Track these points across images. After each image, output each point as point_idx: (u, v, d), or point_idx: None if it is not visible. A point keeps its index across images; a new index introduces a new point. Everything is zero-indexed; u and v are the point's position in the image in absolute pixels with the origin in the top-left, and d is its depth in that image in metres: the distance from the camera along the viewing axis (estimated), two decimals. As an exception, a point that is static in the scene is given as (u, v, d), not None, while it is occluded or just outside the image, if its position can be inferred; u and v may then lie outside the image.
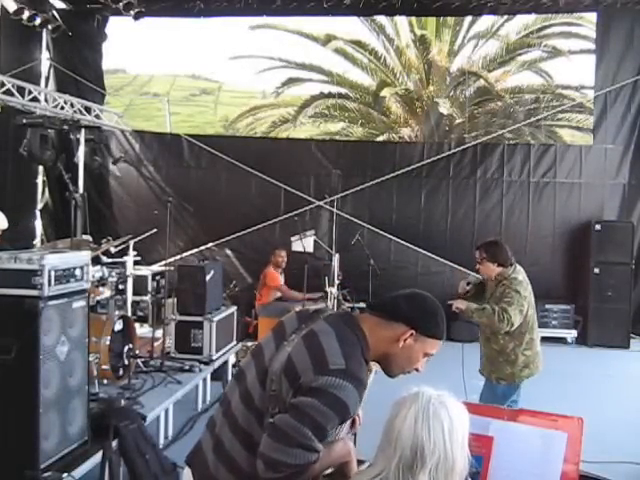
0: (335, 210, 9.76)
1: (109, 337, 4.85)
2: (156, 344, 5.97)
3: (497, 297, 4.20)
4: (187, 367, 5.59)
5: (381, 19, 14.81)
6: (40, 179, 9.83)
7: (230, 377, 6.13)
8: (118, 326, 5.07)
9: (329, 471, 1.91)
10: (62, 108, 8.45)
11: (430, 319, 1.89)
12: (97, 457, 3.60)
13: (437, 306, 1.94)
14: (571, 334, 8.97)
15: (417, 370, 1.95)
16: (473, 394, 4.01)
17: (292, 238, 9.03)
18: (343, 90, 16.04)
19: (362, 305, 7.77)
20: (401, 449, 1.50)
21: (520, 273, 4.25)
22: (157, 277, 7.78)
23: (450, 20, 14.69)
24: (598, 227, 8.96)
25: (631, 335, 8.97)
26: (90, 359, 3.98)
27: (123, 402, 4.25)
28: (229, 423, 1.83)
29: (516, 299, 4.09)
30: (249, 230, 9.92)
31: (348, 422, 2.05)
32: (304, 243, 8.92)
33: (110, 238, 6.41)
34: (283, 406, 1.71)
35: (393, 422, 1.55)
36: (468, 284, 4.58)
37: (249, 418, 1.78)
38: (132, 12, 8.63)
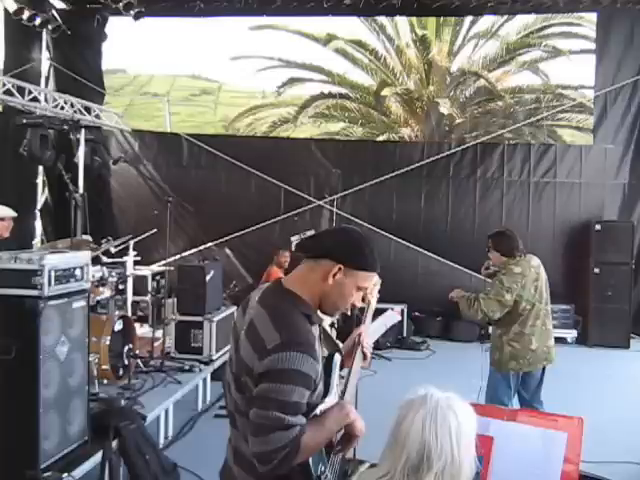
0: (335, 210, 9.76)
1: (109, 337, 4.85)
2: (156, 344, 5.96)
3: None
4: (187, 367, 5.60)
5: (381, 19, 14.82)
6: (40, 179, 9.83)
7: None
8: (118, 326, 5.07)
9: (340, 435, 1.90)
10: (62, 108, 8.45)
11: (355, 251, 1.83)
12: (97, 457, 3.61)
13: (363, 238, 1.87)
14: (571, 334, 8.97)
15: (354, 306, 1.91)
16: (472, 394, 4.01)
17: (292, 238, 9.03)
18: (343, 90, 16.05)
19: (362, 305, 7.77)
20: (408, 452, 1.50)
21: (521, 266, 4.28)
22: (157, 277, 7.77)
23: (450, 20, 14.69)
24: (598, 227, 8.95)
25: (631, 335, 8.97)
26: (90, 359, 3.98)
27: (123, 402, 4.26)
28: (240, 434, 1.84)
29: (496, 289, 4.20)
30: (249, 230, 9.93)
31: (359, 356, 2.08)
32: (304, 243, 8.89)
33: (110, 238, 6.41)
34: (253, 401, 1.74)
35: (401, 425, 1.54)
36: (487, 268, 4.74)
37: (244, 422, 1.79)
38: (132, 12, 8.63)
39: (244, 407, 1.78)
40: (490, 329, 8.66)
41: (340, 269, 1.81)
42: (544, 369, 4.40)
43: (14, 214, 5.73)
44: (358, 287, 1.86)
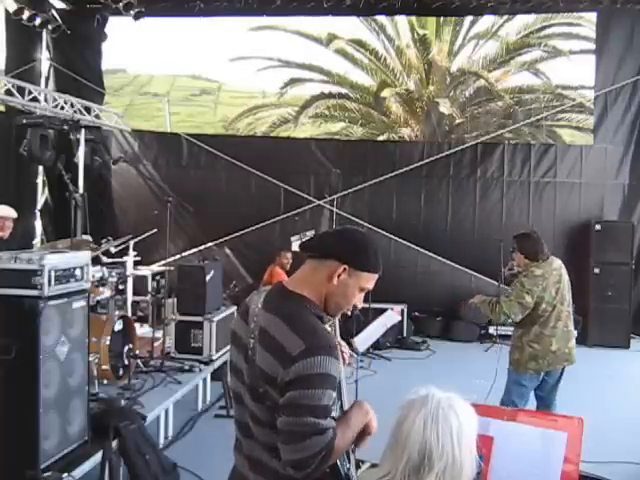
0: (335, 209, 9.76)
1: (109, 337, 4.85)
2: (156, 344, 5.96)
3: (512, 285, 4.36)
4: (187, 367, 5.59)
5: (381, 19, 14.83)
6: (40, 179, 9.83)
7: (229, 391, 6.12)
8: (118, 326, 5.07)
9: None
10: (62, 108, 8.45)
11: (360, 252, 1.84)
12: (97, 457, 3.61)
13: (367, 239, 1.88)
14: (571, 334, 8.96)
15: (355, 306, 1.91)
16: (472, 394, 4.01)
17: (292, 238, 9.04)
18: (343, 90, 16.05)
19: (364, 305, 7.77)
20: (409, 452, 1.50)
21: (543, 268, 4.31)
22: (157, 277, 7.77)
23: (450, 20, 14.70)
24: (598, 227, 8.96)
25: (631, 335, 8.97)
26: (90, 359, 3.98)
27: (123, 402, 4.25)
28: (258, 444, 1.82)
29: (516, 292, 4.23)
30: (249, 230, 9.93)
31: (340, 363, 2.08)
32: (304, 243, 8.89)
33: (110, 238, 6.41)
34: (279, 409, 1.72)
35: (402, 425, 1.54)
36: (510, 269, 4.85)
37: (267, 433, 1.78)
38: (132, 12, 8.63)
39: (265, 416, 1.76)
40: (490, 329, 8.69)
41: (345, 269, 1.81)
42: (563, 369, 4.41)
43: (14, 215, 5.74)
44: (361, 288, 1.87)
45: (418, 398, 1.57)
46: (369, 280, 1.87)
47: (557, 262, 4.43)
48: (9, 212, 5.72)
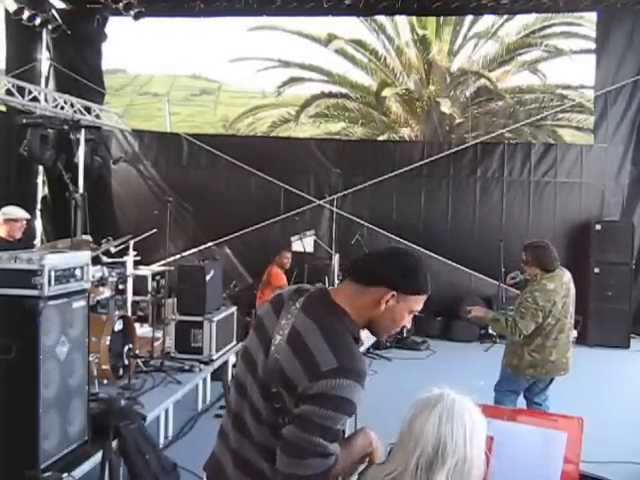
0: (335, 209, 9.77)
1: (109, 337, 4.84)
2: (156, 344, 5.95)
3: (522, 297, 4.30)
4: (187, 367, 5.58)
5: (381, 19, 14.83)
6: (40, 179, 9.83)
7: (230, 383, 6.13)
8: (118, 326, 5.06)
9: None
10: (62, 108, 8.46)
11: (409, 277, 1.81)
12: (97, 457, 3.60)
13: (415, 260, 1.85)
14: (571, 334, 8.95)
15: (405, 327, 1.88)
16: (472, 394, 4.01)
17: (292, 238, 9.05)
18: (343, 90, 16.05)
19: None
20: (423, 446, 1.50)
21: (555, 282, 4.27)
22: (157, 277, 7.77)
23: (450, 20, 14.70)
24: (598, 227, 8.96)
25: (631, 335, 8.97)
26: (90, 359, 3.97)
27: (123, 402, 4.25)
28: (249, 441, 1.78)
29: (530, 311, 4.18)
30: (249, 229, 9.93)
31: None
32: (304, 243, 8.93)
33: (110, 238, 6.41)
34: (291, 417, 1.68)
35: (415, 421, 1.54)
36: (512, 279, 4.86)
37: (264, 433, 1.74)
38: (132, 12, 8.63)
39: (268, 416, 1.72)
40: (490, 329, 8.65)
41: (393, 296, 1.77)
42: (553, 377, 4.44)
43: (28, 216, 5.83)
44: (410, 310, 1.84)
45: (433, 396, 1.58)
46: (418, 302, 1.84)
47: (567, 275, 4.40)
48: (23, 214, 5.83)
